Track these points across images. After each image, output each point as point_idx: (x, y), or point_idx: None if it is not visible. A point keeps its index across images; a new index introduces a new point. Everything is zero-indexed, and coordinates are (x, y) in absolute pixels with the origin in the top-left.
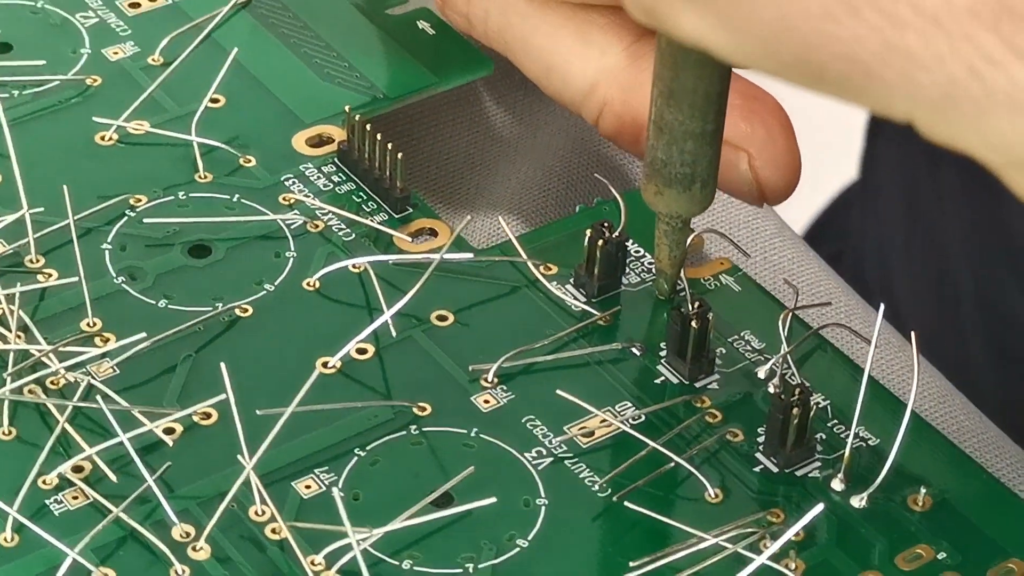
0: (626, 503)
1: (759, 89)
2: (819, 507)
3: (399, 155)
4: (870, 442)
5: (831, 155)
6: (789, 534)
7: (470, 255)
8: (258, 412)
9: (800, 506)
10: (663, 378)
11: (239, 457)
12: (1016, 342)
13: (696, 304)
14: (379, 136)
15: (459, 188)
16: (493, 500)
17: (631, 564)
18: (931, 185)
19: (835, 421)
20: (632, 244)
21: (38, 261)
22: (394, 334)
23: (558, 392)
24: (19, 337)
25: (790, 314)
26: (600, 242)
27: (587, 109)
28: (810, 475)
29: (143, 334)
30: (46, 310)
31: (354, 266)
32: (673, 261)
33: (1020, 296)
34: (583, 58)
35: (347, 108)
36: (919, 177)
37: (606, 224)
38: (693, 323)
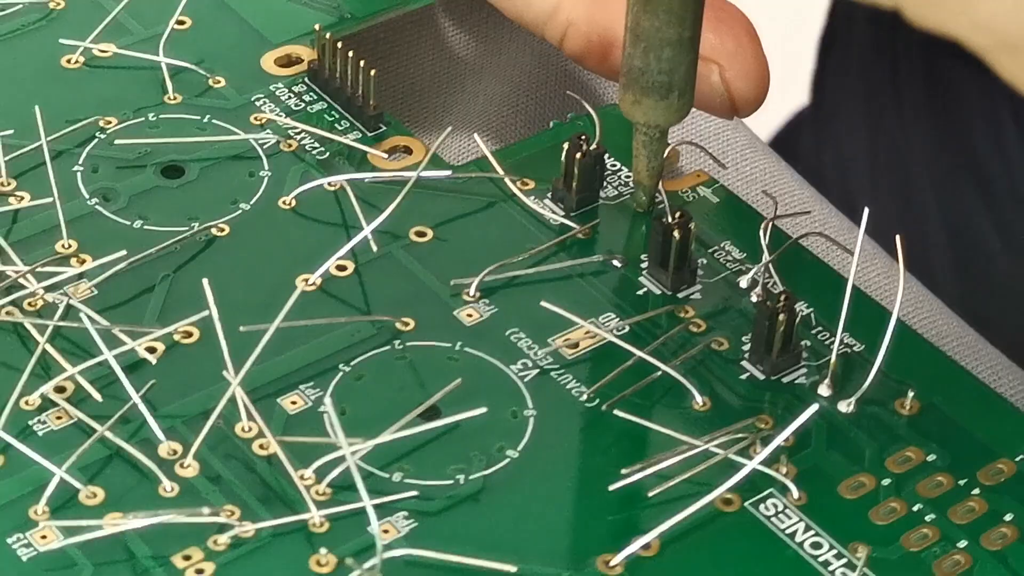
0: (615, 411)
1: (725, 1)
2: (813, 407)
3: (372, 72)
4: (855, 348)
5: (778, 81)
6: (782, 437)
7: (448, 172)
8: (241, 328)
9: (788, 412)
10: (645, 289)
11: (224, 374)
12: (979, 259)
13: (677, 214)
14: (351, 54)
15: (428, 108)
16: (484, 410)
17: (623, 471)
18: (893, 104)
19: (819, 328)
20: (608, 158)
21: (9, 184)
22: (375, 248)
23: (543, 304)
24: None
25: (770, 223)
26: (578, 155)
27: (551, 30)
28: (796, 381)
29: (123, 252)
30: (19, 232)
31: (330, 184)
32: (651, 172)
33: (983, 213)
34: None
35: (317, 27)
36: (880, 97)
37: (583, 137)
38: (675, 233)
